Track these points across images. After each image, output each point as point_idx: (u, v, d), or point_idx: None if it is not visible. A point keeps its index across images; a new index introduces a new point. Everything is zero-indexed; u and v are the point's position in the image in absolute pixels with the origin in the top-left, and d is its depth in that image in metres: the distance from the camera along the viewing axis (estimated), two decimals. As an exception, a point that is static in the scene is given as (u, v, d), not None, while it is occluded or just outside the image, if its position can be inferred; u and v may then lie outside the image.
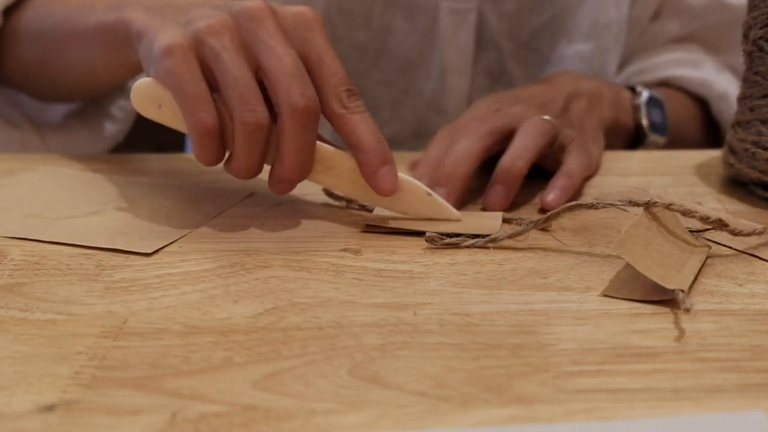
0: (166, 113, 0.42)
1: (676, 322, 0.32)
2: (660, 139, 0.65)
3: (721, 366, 0.29)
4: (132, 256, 0.39)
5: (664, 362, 0.29)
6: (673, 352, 0.30)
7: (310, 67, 0.41)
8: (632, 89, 0.66)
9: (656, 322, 0.32)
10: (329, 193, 0.47)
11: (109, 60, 0.52)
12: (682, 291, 0.33)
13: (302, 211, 0.46)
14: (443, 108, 0.72)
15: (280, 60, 0.40)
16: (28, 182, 0.51)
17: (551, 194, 0.46)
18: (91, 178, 0.52)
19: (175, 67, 0.39)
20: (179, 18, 0.43)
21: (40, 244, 0.40)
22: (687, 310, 0.32)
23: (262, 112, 0.39)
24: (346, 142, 0.42)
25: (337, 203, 0.47)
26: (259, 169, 0.42)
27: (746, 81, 0.51)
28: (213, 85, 0.40)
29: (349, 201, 0.47)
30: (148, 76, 0.43)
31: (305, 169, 0.41)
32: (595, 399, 0.27)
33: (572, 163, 0.49)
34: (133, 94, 0.42)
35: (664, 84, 0.73)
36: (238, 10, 0.41)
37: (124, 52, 0.49)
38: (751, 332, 0.32)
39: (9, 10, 0.59)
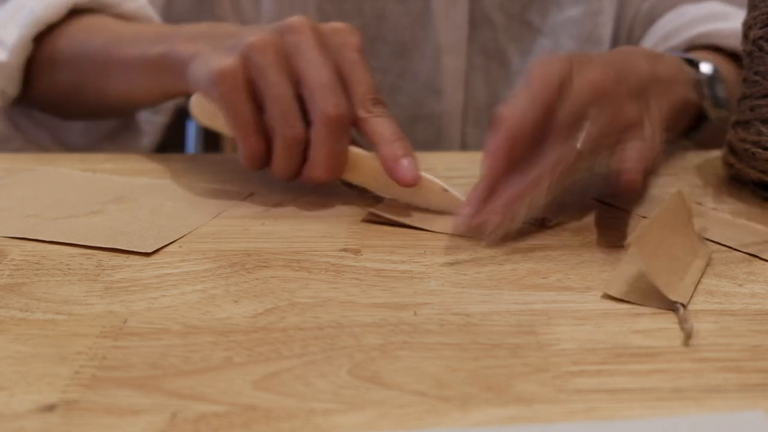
0: (217, 123, 0.48)
1: (676, 323, 0.32)
2: (725, 113, 0.57)
3: (721, 366, 0.29)
4: (132, 256, 0.39)
5: (663, 362, 0.29)
6: (673, 352, 0.30)
7: (342, 78, 0.45)
8: (690, 62, 0.58)
9: (656, 322, 0.32)
10: (344, 182, 0.48)
11: (150, 87, 0.55)
12: (683, 306, 0.33)
13: (302, 211, 0.46)
14: (439, 89, 0.72)
15: (318, 72, 0.44)
16: (28, 182, 0.51)
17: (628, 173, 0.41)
18: (91, 178, 0.52)
19: (227, 94, 0.44)
20: (227, 41, 0.46)
21: (40, 244, 0.40)
22: (689, 336, 0.31)
23: (300, 128, 0.44)
24: (370, 140, 0.45)
25: (350, 190, 0.48)
26: (296, 173, 0.46)
27: (746, 81, 0.51)
28: (259, 97, 0.44)
29: (363, 189, 0.47)
30: (196, 92, 0.48)
31: (335, 172, 0.45)
32: (595, 399, 0.27)
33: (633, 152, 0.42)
34: (192, 106, 0.49)
35: (693, 44, 0.69)
36: (283, 25, 0.45)
37: (167, 80, 0.52)
38: (751, 332, 0.32)
39: (41, 37, 0.60)
